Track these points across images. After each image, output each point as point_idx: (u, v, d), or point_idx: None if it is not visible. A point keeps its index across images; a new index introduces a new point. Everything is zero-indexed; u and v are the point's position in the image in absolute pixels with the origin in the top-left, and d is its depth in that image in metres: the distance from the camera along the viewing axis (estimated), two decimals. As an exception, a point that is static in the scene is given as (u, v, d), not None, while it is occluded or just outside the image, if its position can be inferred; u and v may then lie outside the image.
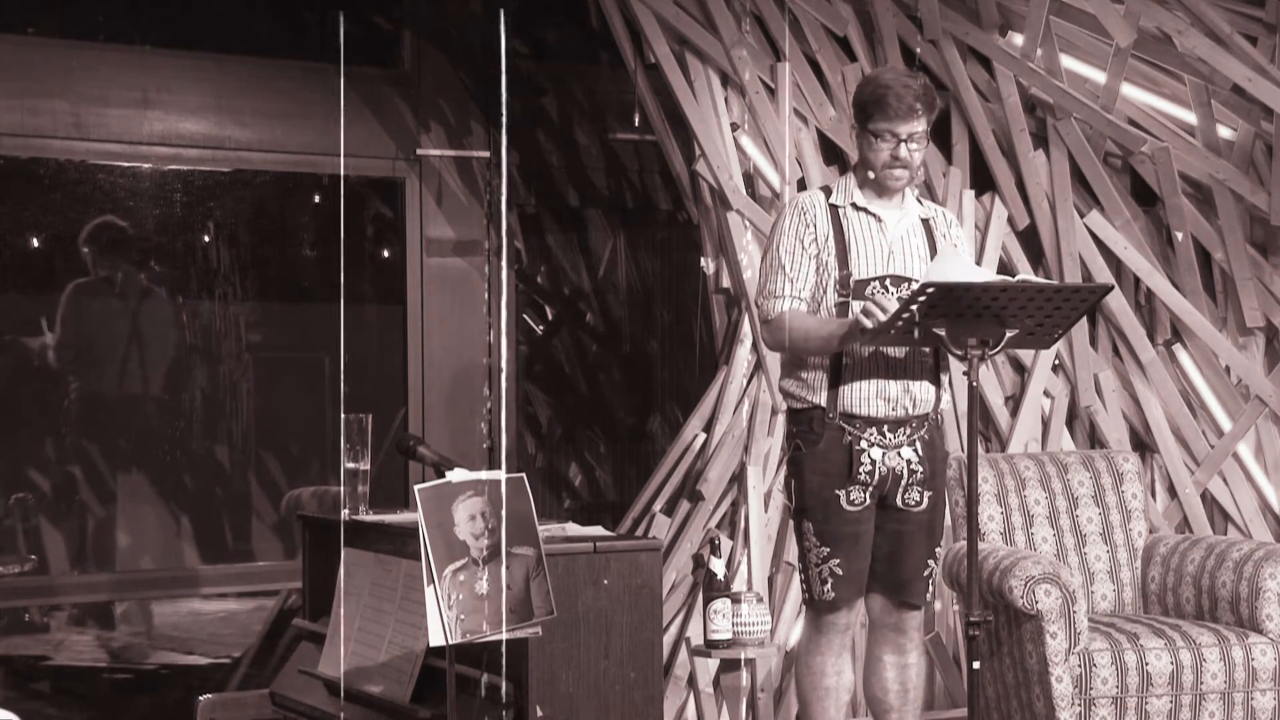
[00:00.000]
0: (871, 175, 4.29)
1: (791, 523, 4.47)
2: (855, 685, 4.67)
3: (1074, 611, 4.59)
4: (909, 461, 4.28)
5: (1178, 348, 5.97)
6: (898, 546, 4.33)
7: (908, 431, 4.28)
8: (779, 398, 5.56)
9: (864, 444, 4.25)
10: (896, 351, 4.22)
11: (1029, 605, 4.59)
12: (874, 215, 4.30)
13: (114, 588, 6.15)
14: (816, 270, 4.27)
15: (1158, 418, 5.89)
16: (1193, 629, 4.75)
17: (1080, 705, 4.59)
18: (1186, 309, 5.89)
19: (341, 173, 6.14)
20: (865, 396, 4.24)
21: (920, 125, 4.23)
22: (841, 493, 4.25)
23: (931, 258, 4.30)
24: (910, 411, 4.26)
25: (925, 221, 4.37)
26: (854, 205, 4.31)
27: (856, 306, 4.15)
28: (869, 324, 4.00)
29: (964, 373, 3.97)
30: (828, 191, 4.36)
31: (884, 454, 4.26)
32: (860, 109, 4.28)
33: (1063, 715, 4.57)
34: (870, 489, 4.26)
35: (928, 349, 4.23)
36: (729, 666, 4.81)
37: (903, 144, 4.22)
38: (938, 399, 4.33)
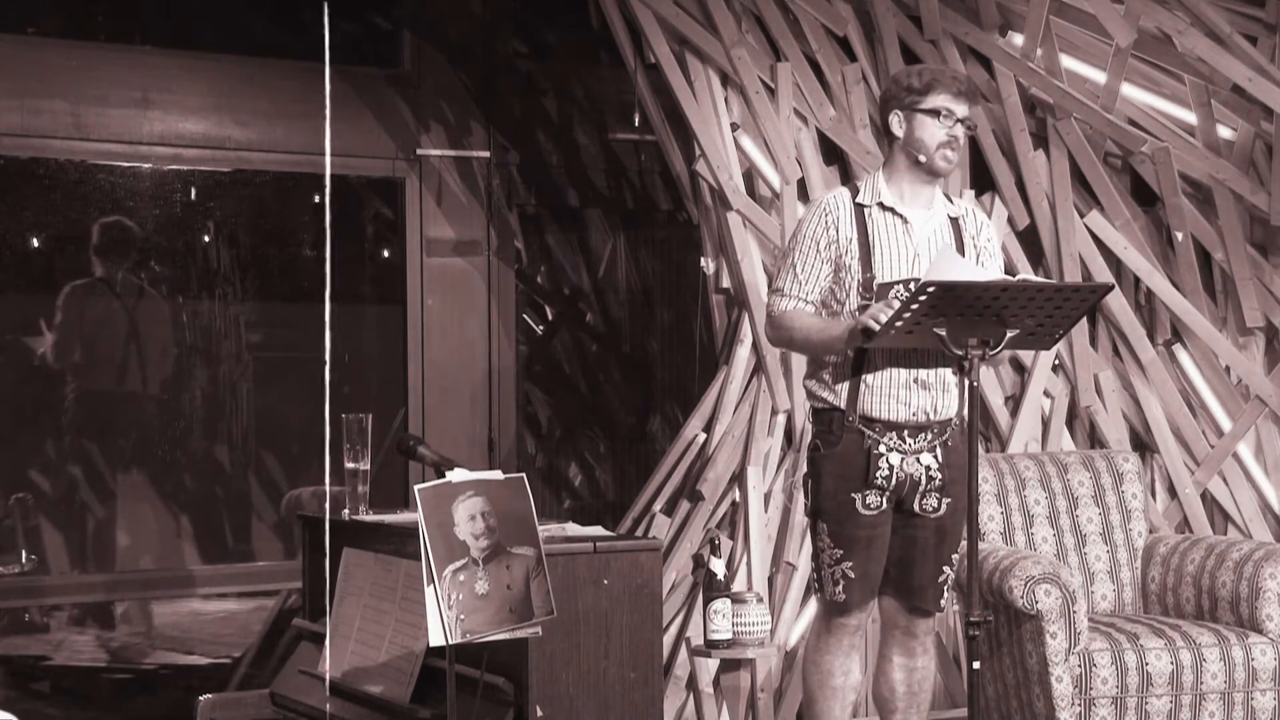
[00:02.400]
0: (923, 159, 4.22)
1: (800, 520, 4.46)
2: (863, 685, 4.67)
3: (1074, 611, 4.59)
4: (928, 468, 4.23)
5: (1178, 348, 5.97)
6: (912, 551, 4.29)
7: (928, 437, 4.23)
8: (780, 398, 5.57)
9: (883, 448, 4.20)
10: (919, 356, 4.19)
11: (1029, 605, 4.59)
12: (900, 216, 4.24)
13: (114, 588, 6.15)
14: (836, 273, 4.23)
15: (1158, 418, 5.89)
16: (1193, 629, 4.75)
17: (1080, 705, 4.59)
18: (1186, 309, 5.89)
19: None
20: (885, 401, 4.20)
21: (970, 110, 4.24)
22: (857, 496, 4.21)
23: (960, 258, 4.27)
24: (931, 417, 4.22)
25: (955, 221, 4.32)
26: (881, 205, 4.25)
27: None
28: (875, 327, 3.98)
29: (964, 372, 3.95)
30: (854, 190, 4.30)
31: (902, 459, 4.21)
32: (911, 91, 4.22)
33: (1063, 715, 4.57)
34: (887, 494, 4.22)
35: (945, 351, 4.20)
36: (729, 666, 4.81)
37: (959, 124, 4.20)
38: (961, 405, 4.26)
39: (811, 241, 4.25)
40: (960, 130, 4.22)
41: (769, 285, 4.44)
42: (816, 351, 4.25)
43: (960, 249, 4.28)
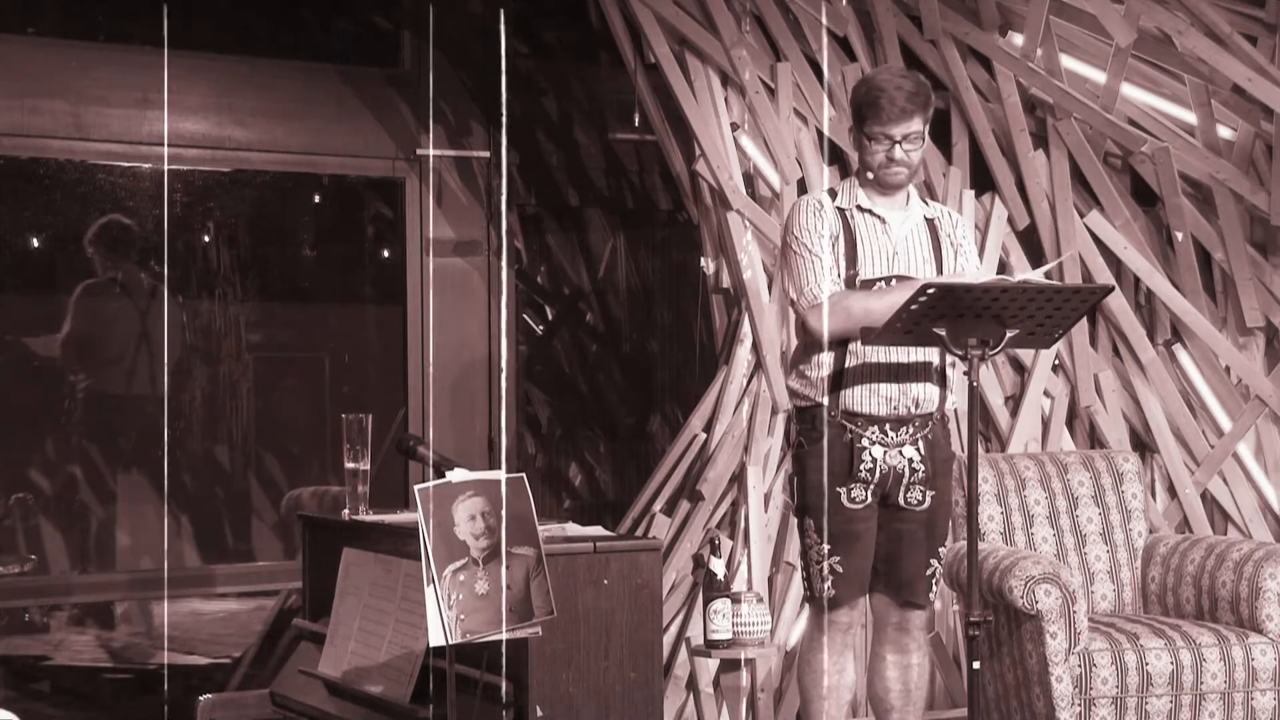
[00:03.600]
0: (870, 175, 4.31)
1: (794, 519, 4.48)
2: (858, 684, 4.67)
3: (1074, 611, 4.59)
4: (910, 460, 4.29)
5: (1178, 348, 5.97)
6: (899, 545, 4.34)
7: (910, 430, 4.29)
8: (780, 397, 5.57)
9: (865, 442, 4.26)
10: (899, 351, 4.24)
11: (1029, 605, 4.59)
12: (879, 217, 4.33)
13: (114, 588, 6.15)
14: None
15: (1158, 418, 5.89)
16: (1193, 629, 4.75)
17: (1080, 705, 4.59)
18: (1186, 309, 5.89)
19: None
20: (866, 395, 4.26)
21: (915, 125, 4.24)
22: (843, 490, 4.26)
23: (936, 258, 4.32)
24: (913, 411, 4.28)
25: (930, 221, 4.39)
26: (859, 207, 4.33)
27: None
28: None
29: (964, 373, 3.98)
30: (833, 194, 4.39)
31: (885, 452, 4.27)
32: (856, 111, 4.30)
33: (1063, 715, 4.57)
34: (871, 487, 4.28)
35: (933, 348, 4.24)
36: (729, 666, 4.81)
37: (897, 145, 4.24)
38: (942, 399, 4.34)
39: (815, 233, 4.30)
40: (900, 150, 4.24)
41: (792, 290, 4.34)
42: (881, 316, 4.07)
43: (937, 247, 4.35)
